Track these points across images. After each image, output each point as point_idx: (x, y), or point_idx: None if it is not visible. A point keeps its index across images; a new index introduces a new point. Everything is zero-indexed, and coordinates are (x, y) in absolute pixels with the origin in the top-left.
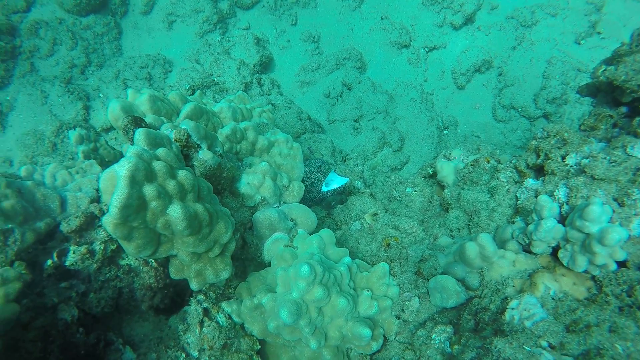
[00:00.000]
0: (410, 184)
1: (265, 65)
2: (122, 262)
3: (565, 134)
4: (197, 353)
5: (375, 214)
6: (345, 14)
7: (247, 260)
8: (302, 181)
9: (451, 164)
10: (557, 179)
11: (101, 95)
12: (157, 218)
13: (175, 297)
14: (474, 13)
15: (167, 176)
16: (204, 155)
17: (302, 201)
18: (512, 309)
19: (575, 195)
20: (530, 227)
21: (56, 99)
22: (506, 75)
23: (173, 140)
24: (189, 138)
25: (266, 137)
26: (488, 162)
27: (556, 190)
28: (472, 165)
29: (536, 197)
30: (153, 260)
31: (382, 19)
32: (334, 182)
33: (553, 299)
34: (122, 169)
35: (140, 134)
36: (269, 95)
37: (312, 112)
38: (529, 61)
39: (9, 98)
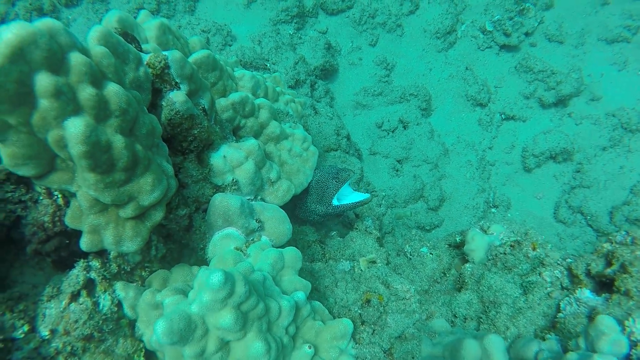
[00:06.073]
0: (428, 245)
1: (327, 73)
2: (39, 189)
3: None
4: (47, 333)
5: (373, 262)
6: (430, 52)
7: (187, 248)
8: (311, 188)
9: (485, 238)
10: (633, 304)
11: None
12: (49, 127)
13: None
14: (569, 96)
15: (85, 78)
16: (176, 97)
17: (304, 214)
18: None
19: None
20: (572, 356)
21: None
22: (585, 175)
23: (145, 63)
24: (167, 69)
25: (281, 125)
26: (534, 249)
27: (629, 320)
28: (511, 246)
29: (590, 316)
30: (60, 195)
31: (466, 69)
32: (349, 197)
33: None
34: (8, 32)
35: (96, 31)
36: (317, 102)
37: (356, 137)
38: (619, 169)
39: (70, 17)
